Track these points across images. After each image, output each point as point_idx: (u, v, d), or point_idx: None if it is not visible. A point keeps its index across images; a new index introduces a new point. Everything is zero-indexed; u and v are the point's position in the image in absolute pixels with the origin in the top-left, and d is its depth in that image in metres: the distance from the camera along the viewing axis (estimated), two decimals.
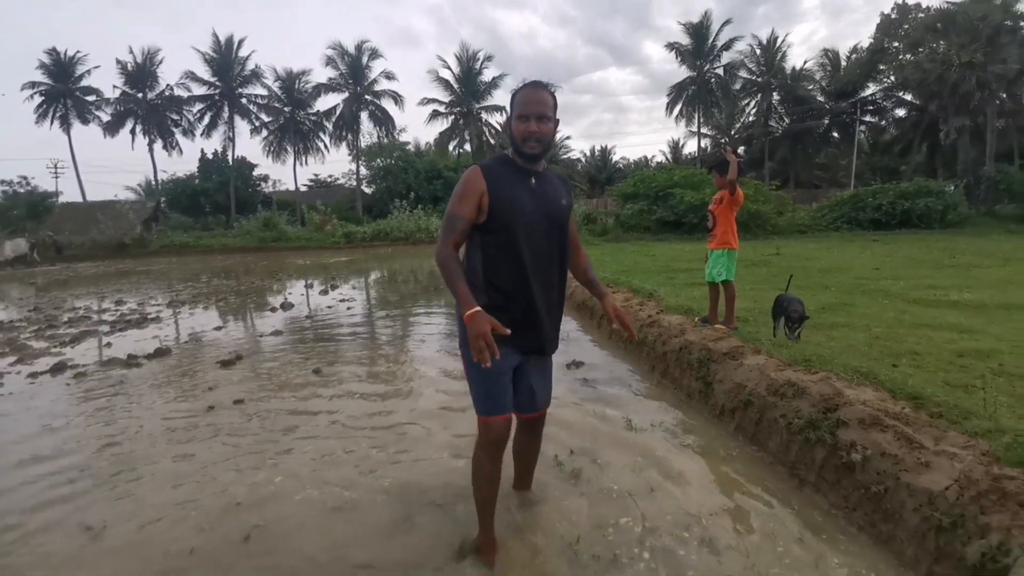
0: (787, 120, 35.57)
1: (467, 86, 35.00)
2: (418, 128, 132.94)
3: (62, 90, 34.49)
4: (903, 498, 1.96)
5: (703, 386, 3.40)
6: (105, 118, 35.50)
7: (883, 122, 34.74)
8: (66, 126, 35.10)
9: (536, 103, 1.77)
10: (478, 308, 1.58)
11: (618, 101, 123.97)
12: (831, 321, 4.58)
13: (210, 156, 36.28)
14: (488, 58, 35.43)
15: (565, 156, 46.03)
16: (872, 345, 3.83)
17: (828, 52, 35.42)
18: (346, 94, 35.40)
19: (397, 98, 35.84)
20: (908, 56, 29.23)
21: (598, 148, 49.33)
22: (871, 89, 33.70)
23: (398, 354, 5.26)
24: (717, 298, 4.26)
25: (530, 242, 1.80)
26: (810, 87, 35.29)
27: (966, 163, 24.91)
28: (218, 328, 6.71)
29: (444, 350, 5.22)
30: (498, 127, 36.23)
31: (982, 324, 4.46)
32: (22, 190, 36.00)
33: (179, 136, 36.72)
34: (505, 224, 1.78)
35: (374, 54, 34.94)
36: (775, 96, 35.11)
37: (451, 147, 36.96)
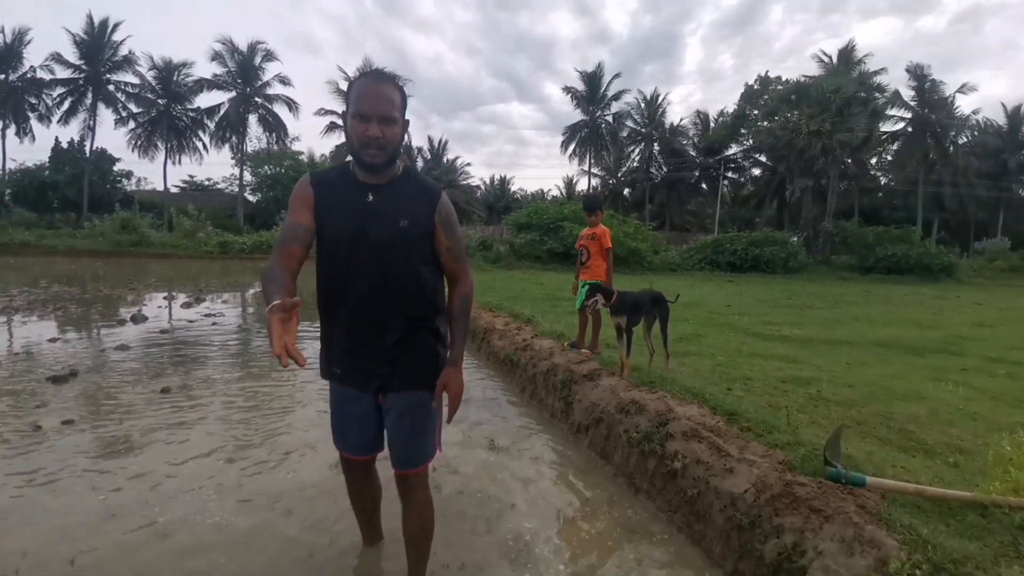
0: (665, 168, 39.37)
1: None
2: (313, 139, 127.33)
3: None
4: (712, 500, 2.27)
5: (565, 406, 3.65)
6: None
7: (742, 178, 39.86)
8: None
9: (378, 99, 1.43)
10: (275, 302, 1.17)
11: (519, 134, 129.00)
12: (684, 350, 5.07)
13: (64, 145, 31.83)
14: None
15: (465, 182, 46.80)
16: (714, 371, 4.30)
17: (700, 113, 40.12)
18: (233, 93, 33.07)
19: (292, 104, 34.21)
20: (764, 123, 33.55)
21: (498, 177, 50.75)
22: (734, 149, 38.51)
23: (266, 373, 4.97)
24: (586, 324, 4.60)
25: (357, 268, 1.52)
26: (684, 142, 39.50)
27: (807, 218, 28.81)
28: (53, 340, 5.87)
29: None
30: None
31: (806, 356, 5.13)
32: None
33: (34, 122, 31.90)
34: (325, 246, 1.55)
35: (268, 55, 33.18)
36: (656, 146, 38.76)
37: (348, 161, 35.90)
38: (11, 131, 31.37)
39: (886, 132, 31.60)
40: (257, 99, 33.54)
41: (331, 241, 1.54)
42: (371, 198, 1.53)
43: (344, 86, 34.54)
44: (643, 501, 2.63)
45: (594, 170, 40.55)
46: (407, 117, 1.55)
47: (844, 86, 26.66)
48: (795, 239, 25.33)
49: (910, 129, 31.06)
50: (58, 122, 31.41)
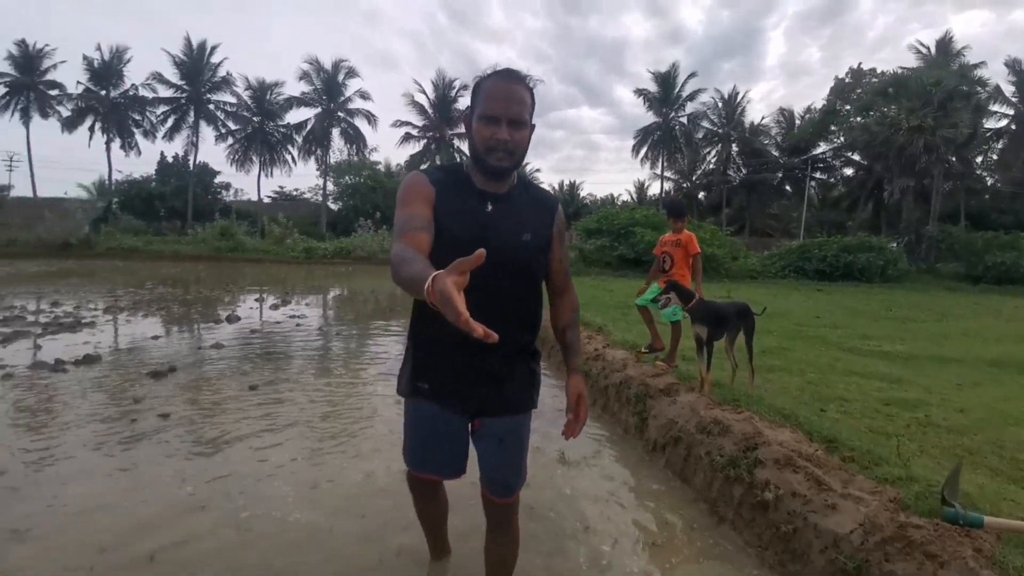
0: (744, 170, 37.45)
1: (441, 112, 35.48)
2: (389, 149, 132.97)
3: (27, 82, 33.31)
4: (810, 539, 2.03)
5: (639, 421, 3.47)
6: (65, 113, 34.22)
7: (832, 179, 37.04)
8: (26, 119, 33.79)
9: (509, 101, 1.30)
10: (435, 273, 0.96)
11: (589, 139, 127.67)
12: (769, 364, 4.73)
13: (170, 159, 35.22)
14: (464, 87, 36.07)
15: None
16: (804, 389, 3.96)
17: (784, 110, 37.86)
18: (319, 109, 35.30)
19: (371, 118, 36.01)
20: (858, 118, 31.26)
21: (567, 183, 50.47)
22: (822, 148, 35.99)
23: (344, 375, 5.14)
24: (650, 322, 4.43)
25: (472, 280, 1.27)
26: (766, 142, 37.40)
27: (909, 222, 26.39)
28: (155, 337, 6.42)
29: (392, 375, 5.14)
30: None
31: (912, 375, 4.67)
32: None
33: (139, 137, 35.64)
34: (436, 252, 1.34)
35: (351, 72, 35.15)
36: (734, 147, 37.00)
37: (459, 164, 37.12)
38: (115, 144, 34.99)
39: (990, 129, 28.47)
40: (340, 113, 35.58)
41: (445, 248, 1.32)
42: (490, 208, 1.41)
43: (420, 98, 35.91)
44: (727, 532, 2.42)
45: (667, 173, 39.39)
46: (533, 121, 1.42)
47: (945, 79, 24.62)
48: (894, 244, 23.22)
49: (1014, 126, 27.80)
50: (163, 137, 34.93)
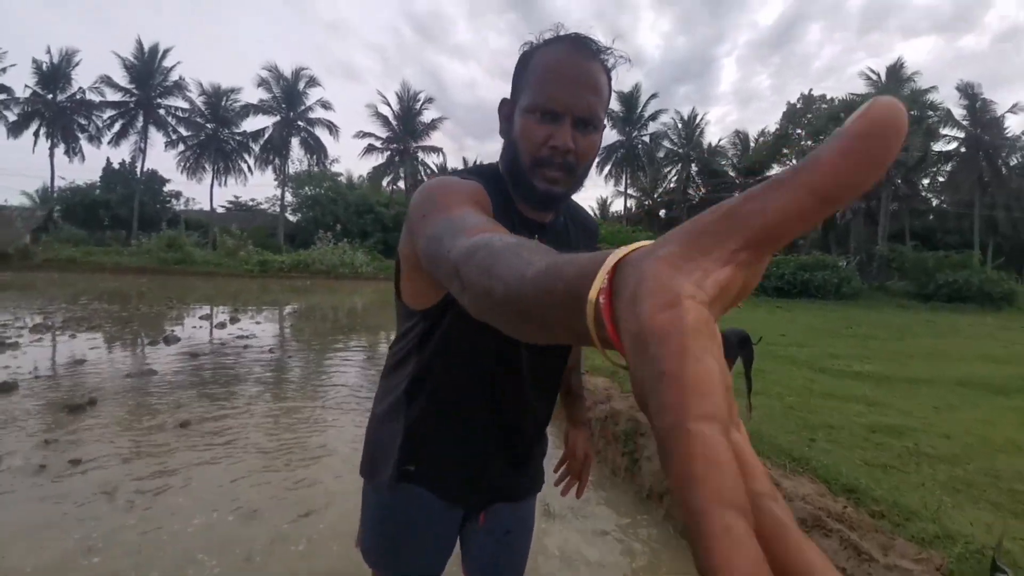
0: (703, 190, 38.43)
1: (406, 124, 35.00)
2: (351, 160, 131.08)
3: None
4: None
5: (630, 463, 3.13)
6: (12, 118, 31.80)
7: None
8: None
9: (582, 86, 0.83)
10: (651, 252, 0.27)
11: None
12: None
13: (116, 166, 33.34)
14: (429, 99, 35.80)
15: None
16: (787, 416, 3.84)
17: (739, 133, 39.10)
18: (277, 117, 34.20)
19: (332, 127, 35.11)
20: (810, 142, 32.73)
21: None
22: (775, 169, 37.36)
23: (296, 407, 4.61)
24: None
25: (514, 338, 0.73)
26: (723, 163, 38.54)
27: (859, 241, 27.59)
28: (80, 362, 5.70)
29: (355, 408, 4.65)
30: (434, 168, 36.22)
31: (887, 397, 4.66)
32: None
33: (84, 142, 33.55)
34: (463, 320, 0.90)
35: (312, 81, 34.29)
36: (694, 167, 37.97)
37: (385, 183, 36.44)
38: (59, 150, 32.80)
39: (939, 151, 30.23)
40: (300, 123, 34.57)
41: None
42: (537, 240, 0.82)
43: (384, 110, 35.37)
44: None
45: (630, 191, 40.00)
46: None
47: None
48: (844, 263, 24.09)
49: (963, 149, 29.61)
50: (108, 143, 32.95)
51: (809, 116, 36.00)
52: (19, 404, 4.16)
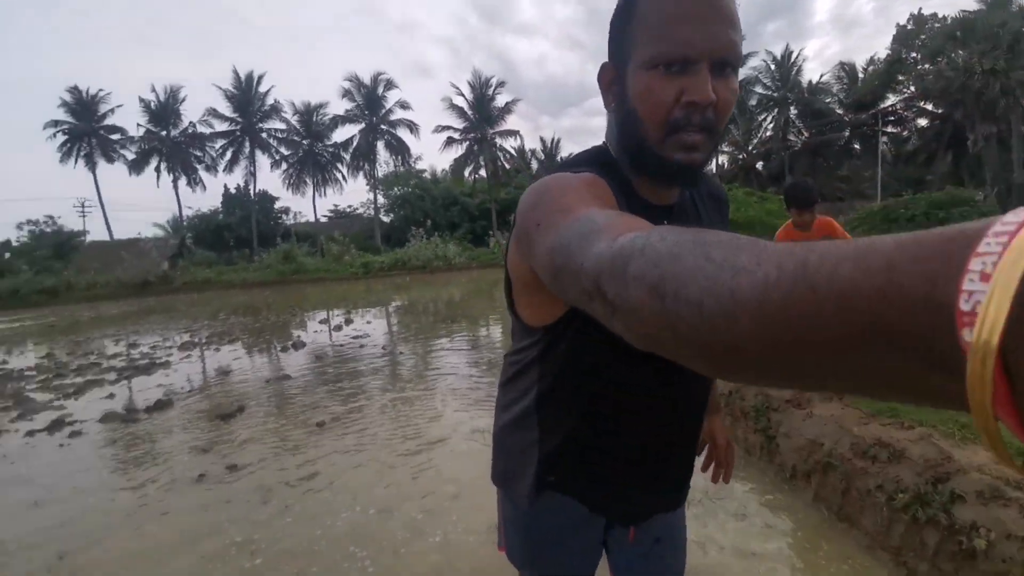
0: (806, 134, 34.99)
1: (481, 112, 35.28)
2: (433, 155, 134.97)
3: (86, 128, 35.38)
4: None
5: (766, 440, 2.91)
6: (130, 156, 36.54)
7: (905, 132, 33.97)
8: (91, 164, 36.04)
9: (714, 21, 0.66)
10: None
11: None
12: None
13: (233, 191, 37.06)
14: (500, 84, 35.72)
15: None
16: None
17: (844, 65, 34.95)
18: (362, 124, 36.08)
19: (412, 127, 36.39)
20: (928, 66, 28.74)
21: None
22: (891, 100, 33.06)
23: (416, 398, 4.84)
24: None
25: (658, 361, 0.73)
26: (828, 100, 34.77)
27: (994, 171, 24.06)
28: (225, 373, 6.40)
29: (469, 394, 4.80)
30: (512, 151, 36.28)
31: None
32: (48, 229, 36.96)
33: (202, 172, 37.73)
34: (582, 341, 0.83)
35: (389, 84, 35.66)
36: (792, 110, 34.67)
37: (466, 173, 37.14)
38: (182, 182, 36.98)
39: None
40: (383, 126, 36.18)
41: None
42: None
43: (459, 101, 35.72)
44: None
45: (721, 147, 37.43)
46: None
47: (1009, 20, 23.24)
48: (983, 196, 20.87)
49: None
50: (223, 170, 36.67)
51: (923, 37, 31.40)
52: (176, 419, 4.68)
